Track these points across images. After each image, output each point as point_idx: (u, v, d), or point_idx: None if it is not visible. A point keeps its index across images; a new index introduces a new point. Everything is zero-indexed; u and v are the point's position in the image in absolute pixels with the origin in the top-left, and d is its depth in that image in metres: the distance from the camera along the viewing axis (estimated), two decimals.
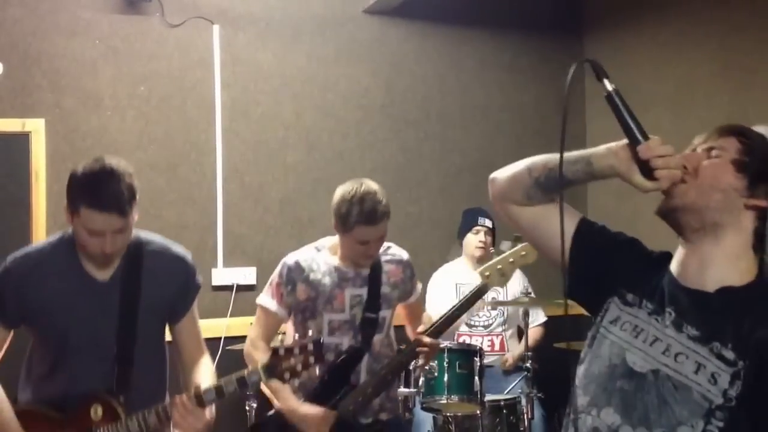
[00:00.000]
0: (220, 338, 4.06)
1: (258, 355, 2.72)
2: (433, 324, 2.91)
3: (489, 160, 4.87)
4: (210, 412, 2.28)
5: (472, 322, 4.14)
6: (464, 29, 4.81)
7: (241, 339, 3.08)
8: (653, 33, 4.45)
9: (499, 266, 3.00)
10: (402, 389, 3.64)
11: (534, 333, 4.14)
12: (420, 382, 3.42)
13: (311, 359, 2.24)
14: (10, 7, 3.95)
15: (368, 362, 2.81)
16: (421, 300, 3.00)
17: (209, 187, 4.28)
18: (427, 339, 2.84)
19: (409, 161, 4.65)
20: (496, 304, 4.07)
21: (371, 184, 2.76)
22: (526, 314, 3.84)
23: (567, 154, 1.46)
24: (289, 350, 2.22)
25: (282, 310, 2.81)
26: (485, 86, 4.87)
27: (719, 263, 1.43)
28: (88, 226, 2.15)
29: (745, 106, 3.84)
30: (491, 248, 4.20)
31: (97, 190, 2.14)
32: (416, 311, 3.11)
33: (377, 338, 2.84)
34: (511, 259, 3.01)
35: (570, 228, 1.52)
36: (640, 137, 1.38)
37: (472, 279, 4.23)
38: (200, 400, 2.22)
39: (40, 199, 3.91)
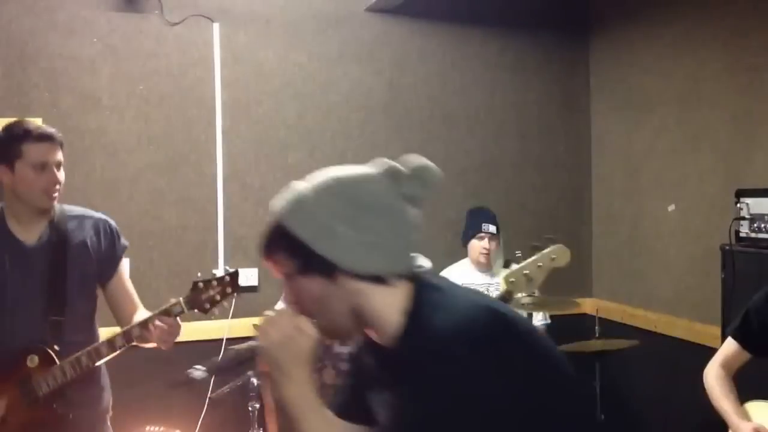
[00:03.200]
0: (222, 339, 4.01)
1: None
2: None
3: (493, 160, 4.83)
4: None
5: None
6: (468, 28, 4.76)
7: (243, 340, 3.02)
8: (659, 33, 4.40)
9: (526, 271, 2.85)
10: None
11: None
12: None
13: (228, 289, 2.53)
14: (7, 5, 3.90)
15: None
16: None
17: (210, 188, 4.24)
18: None
19: None
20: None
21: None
22: (530, 316, 3.80)
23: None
24: (207, 282, 2.51)
25: None
26: (489, 85, 4.82)
27: (379, 329, 1.45)
28: (35, 160, 2.42)
29: (751, 105, 3.80)
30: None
31: (32, 126, 2.47)
32: None
33: None
34: (539, 264, 2.86)
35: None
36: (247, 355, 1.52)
37: (478, 280, 4.22)
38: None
39: None
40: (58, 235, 2.53)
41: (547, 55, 4.94)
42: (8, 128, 2.50)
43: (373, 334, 1.42)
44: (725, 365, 2.66)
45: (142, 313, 2.64)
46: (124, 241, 2.70)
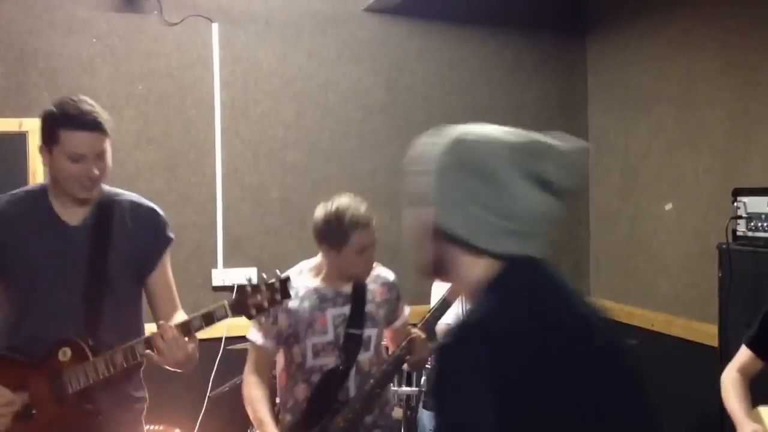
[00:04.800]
0: (221, 338, 4.02)
1: (255, 393, 2.72)
2: (424, 317, 2.85)
3: None
4: (192, 346, 2.33)
5: None
6: (466, 28, 4.77)
7: (242, 339, 3.05)
8: (656, 33, 4.41)
9: None
10: (404, 388, 3.62)
11: None
12: (422, 381, 3.38)
13: (277, 296, 2.31)
14: (6, 5, 3.91)
15: (357, 381, 2.73)
16: (407, 327, 2.90)
17: (209, 187, 4.25)
18: (415, 330, 2.78)
19: None
20: None
21: (344, 197, 2.76)
22: None
23: None
24: (255, 287, 2.30)
25: (270, 342, 2.73)
26: (487, 85, 4.83)
27: None
28: (70, 150, 2.23)
29: (748, 104, 3.81)
30: None
31: (76, 111, 2.23)
32: (402, 338, 2.91)
33: (364, 356, 2.76)
34: None
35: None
36: None
37: None
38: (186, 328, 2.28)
39: None
40: (103, 219, 2.36)
41: (544, 56, 4.95)
42: (53, 107, 2.29)
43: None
44: (741, 370, 2.71)
45: (180, 315, 2.46)
46: (170, 233, 2.52)
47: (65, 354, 2.26)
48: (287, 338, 2.74)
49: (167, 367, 2.32)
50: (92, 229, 2.35)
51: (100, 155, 2.27)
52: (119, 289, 2.39)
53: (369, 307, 2.79)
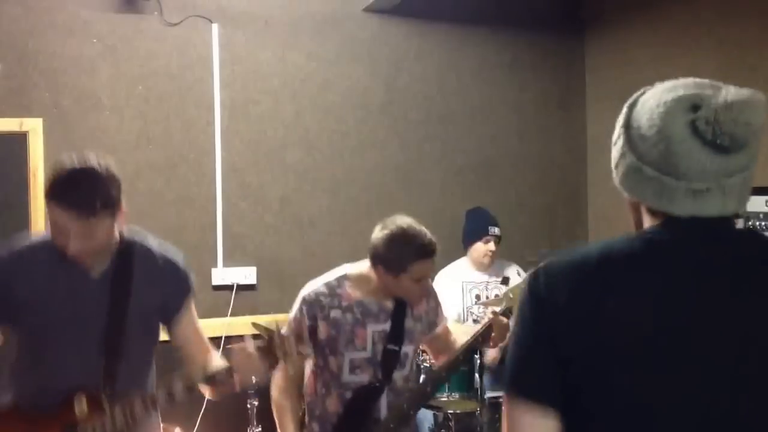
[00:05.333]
0: (221, 337, 4.04)
1: (285, 402, 2.71)
2: (456, 354, 2.79)
3: (490, 160, 4.86)
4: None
5: (478, 318, 4.14)
6: (465, 28, 4.79)
7: (241, 338, 3.05)
8: (654, 31, 4.43)
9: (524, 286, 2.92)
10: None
11: None
12: (420, 380, 3.39)
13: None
14: (7, 5, 3.92)
15: (389, 398, 2.69)
16: (449, 331, 2.89)
17: (208, 187, 4.26)
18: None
19: (410, 161, 4.63)
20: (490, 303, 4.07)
21: (407, 220, 2.69)
22: None
23: None
24: (282, 335, 2.26)
25: (308, 349, 2.66)
26: (486, 85, 4.85)
27: None
28: (51, 217, 2.11)
29: None
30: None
31: (65, 184, 2.08)
32: (443, 344, 2.90)
33: (399, 374, 2.72)
34: None
35: None
36: None
37: (477, 278, 4.26)
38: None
39: (37, 199, 3.88)
40: (124, 268, 2.28)
41: (543, 55, 4.97)
42: (54, 167, 2.15)
43: None
44: None
45: (214, 357, 2.43)
46: (191, 281, 2.44)
47: (81, 406, 2.19)
48: (323, 348, 2.69)
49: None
50: (112, 281, 2.26)
51: (84, 235, 2.10)
52: (137, 341, 2.32)
53: (408, 323, 2.75)
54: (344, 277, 2.73)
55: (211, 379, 2.26)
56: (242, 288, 4.28)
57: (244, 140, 4.33)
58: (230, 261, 4.28)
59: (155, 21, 4.16)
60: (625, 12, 4.70)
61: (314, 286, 2.73)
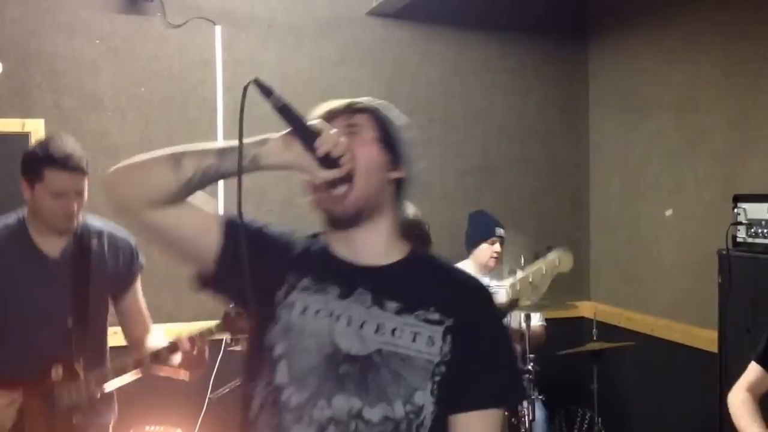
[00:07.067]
0: (222, 340, 4.02)
1: None
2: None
3: (492, 164, 4.85)
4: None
5: None
6: (468, 32, 4.79)
7: (243, 340, 3.05)
8: (657, 38, 4.43)
9: (530, 279, 2.89)
10: None
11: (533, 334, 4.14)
12: None
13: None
14: (9, 6, 3.92)
15: None
16: None
17: (210, 190, 4.23)
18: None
19: None
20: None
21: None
22: (528, 318, 3.82)
23: (216, 146, 1.52)
24: (239, 313, 2.55)
25: None
26: (489, 89, 4.84)
27: (384, 239, 1.53)
28: (53, 188, 2.39)
29: (748, 110, 3.82)
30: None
31: (60, 153, 2.40)
32: None
33: None
34: (543, 271, 2.90)
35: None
36: (315, 134, 1.48)
37: (482, 281, 4.24)
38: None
39: None
40: (82, 249, 2.52)
41: (546, 60, 4.97)
42: (36, 146, 2.49)
43: None
44: (751, 389, 2.60)
45: (154, 337, 2.67)
46: (141, 260, 2.69)
47: (57, 373, 2.41)
48: None
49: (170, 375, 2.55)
50: (72, 260, 2.50)
51: (80, 192, 2.45)
52: (97, 315, 2.57)
53: None
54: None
55: (156, 357, 2.46)
56: None
57: None
58: None
59: (158, 22, 4.16)
60: (628, 18, 4.69)
61: None
